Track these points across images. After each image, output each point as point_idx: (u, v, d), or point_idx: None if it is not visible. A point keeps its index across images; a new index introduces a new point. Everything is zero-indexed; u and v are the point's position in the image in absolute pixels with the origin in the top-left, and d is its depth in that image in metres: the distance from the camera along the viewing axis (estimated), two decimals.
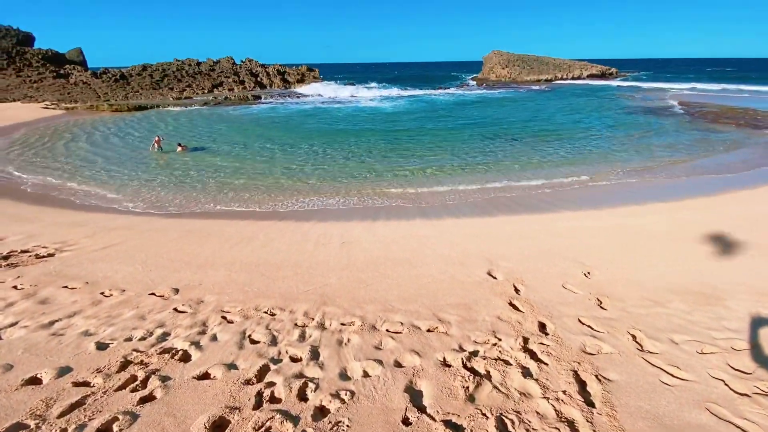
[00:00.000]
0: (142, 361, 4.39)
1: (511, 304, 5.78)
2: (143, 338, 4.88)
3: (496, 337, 4.81)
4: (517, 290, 6.24)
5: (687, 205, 11.21)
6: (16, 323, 5.29)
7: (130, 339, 4.86)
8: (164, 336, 4.95)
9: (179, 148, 20.03)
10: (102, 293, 6.31)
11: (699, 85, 56.16)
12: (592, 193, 12.97)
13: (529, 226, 9.78)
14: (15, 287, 6.53)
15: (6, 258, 8.01)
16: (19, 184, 15.14)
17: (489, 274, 6.94)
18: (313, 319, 5.42)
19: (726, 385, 3.95)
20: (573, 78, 68.88)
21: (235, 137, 24.02)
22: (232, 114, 35.00)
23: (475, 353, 4.49)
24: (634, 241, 8.36)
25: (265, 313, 5.63)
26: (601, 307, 5.59)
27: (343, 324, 5.24)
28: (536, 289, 6.24)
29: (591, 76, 70.62)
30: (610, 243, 8.26)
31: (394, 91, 55.90)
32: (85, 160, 18.75)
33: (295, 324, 5.27)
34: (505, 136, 22.88)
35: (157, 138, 20.66)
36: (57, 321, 5.35)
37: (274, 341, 4.82)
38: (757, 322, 5.03)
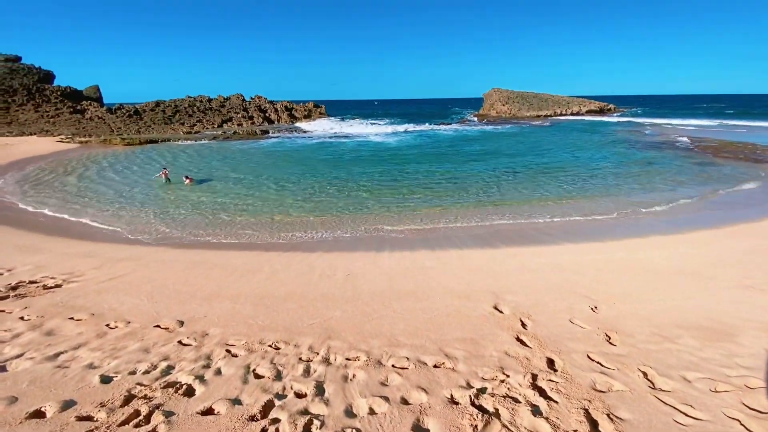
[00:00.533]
0: (145, 395, 4.35)
1: (518, 339, 5.72)
2: (147, 371, 4.85)
3: (504, 373, 4.74)
4: (524, 325, 6.19)
5: (691, 238, 11.21)
6: (21, 355, 5.29)
7: (134, 372, 4.84)
8: (168, 369, 4.92)
9: (186, 181, 20.49)
10: (107, 325, 6.32)
11: (695, 121, 57.33)
12: (597, 227, 13.02)
13: (534, 260, 9.78)
14: (22, 318, 6.56)
15: (14, 288, 8.09)
16: (30, 216, 15.44)
17: (495, 308, 6.90)
18: (318, 353, 5.38)
19: (742, 425, 3.84)
20: (572, 114, 70.66)
21: (242, 170, 24.58)
22: (240, 148, 35.95)
23: (483, 390, 4.42)
24: (639, 274, 8.33)
25: (270, 346, 5.59)
26: (610, 343, 5.52)
27: (348, 359, 5.19)
28: (544, 324, 6.19)
29: (589, 112, 72.45)
30: (616, 277, 8.23)
31: (399, 127, 57.37)
32: (94, 192, 19.18)
33: (300, 358, 5.23)
34: (508, 171, 23.25)
35: (164, 170, 21.18)
36: (62, 353, 5.34)
37: (278, 376, 4.77)
38: None
